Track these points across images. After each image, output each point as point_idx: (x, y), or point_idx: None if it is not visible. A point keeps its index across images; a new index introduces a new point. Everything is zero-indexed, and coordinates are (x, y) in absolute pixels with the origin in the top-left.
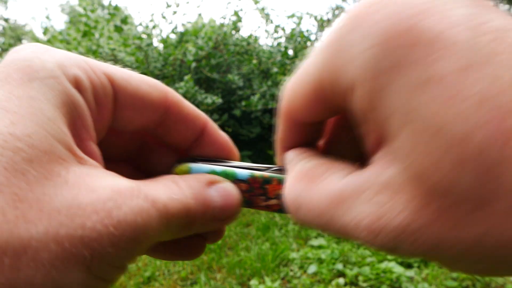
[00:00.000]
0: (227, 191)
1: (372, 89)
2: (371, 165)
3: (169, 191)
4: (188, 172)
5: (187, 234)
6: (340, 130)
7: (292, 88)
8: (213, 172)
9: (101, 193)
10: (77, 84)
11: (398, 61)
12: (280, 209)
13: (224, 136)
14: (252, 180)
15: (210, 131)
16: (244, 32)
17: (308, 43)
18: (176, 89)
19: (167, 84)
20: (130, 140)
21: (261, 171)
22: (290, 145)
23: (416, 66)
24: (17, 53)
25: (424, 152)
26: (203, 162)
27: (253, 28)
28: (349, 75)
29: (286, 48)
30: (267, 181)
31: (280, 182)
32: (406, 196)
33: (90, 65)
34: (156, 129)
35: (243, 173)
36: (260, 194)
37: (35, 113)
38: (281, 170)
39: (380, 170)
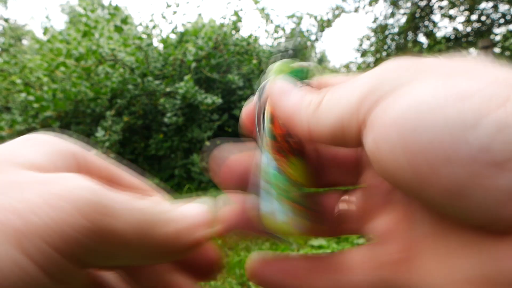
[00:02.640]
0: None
1: None
2: None
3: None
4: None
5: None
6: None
7: None
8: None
9: (48, 176)
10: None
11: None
12: None
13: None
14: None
15: None
16: (244, 32)
17: (308, 43)
18: (176, 89)
19: (167, 84)
20: None
21: None
22: None
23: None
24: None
25: None
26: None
27: (253, 28)
28: None
29: None
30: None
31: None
32: None
33: None
34: None
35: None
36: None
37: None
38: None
39: None
